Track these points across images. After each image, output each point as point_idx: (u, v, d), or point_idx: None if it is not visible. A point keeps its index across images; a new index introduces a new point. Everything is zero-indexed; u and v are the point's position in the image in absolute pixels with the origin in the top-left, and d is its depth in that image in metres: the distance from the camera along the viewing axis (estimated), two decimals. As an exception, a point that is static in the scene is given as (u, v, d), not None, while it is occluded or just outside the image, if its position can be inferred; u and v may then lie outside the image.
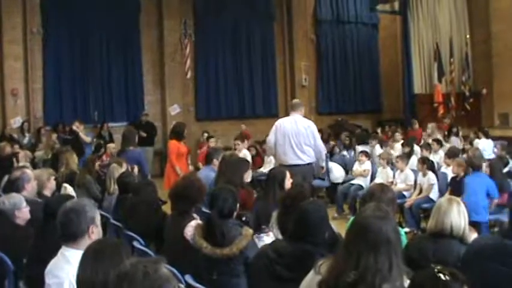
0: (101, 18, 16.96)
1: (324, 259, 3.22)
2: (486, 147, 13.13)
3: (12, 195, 5.65)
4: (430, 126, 14.23)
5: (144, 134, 15.56)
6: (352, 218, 3.76)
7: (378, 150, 13.32)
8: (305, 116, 9.30)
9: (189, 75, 18.08)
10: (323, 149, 9.32)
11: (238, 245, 4.40)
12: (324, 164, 9.75)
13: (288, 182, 6.24)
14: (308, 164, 8.82)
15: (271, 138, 8.92)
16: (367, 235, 2.85)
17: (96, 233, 3.66)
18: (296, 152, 8.67)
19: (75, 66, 16.82)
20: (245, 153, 11.32)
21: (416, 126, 17.02)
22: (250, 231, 4.58)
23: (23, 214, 5.40)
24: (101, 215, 5.49)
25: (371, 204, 3.22)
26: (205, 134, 15.57)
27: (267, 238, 4.82)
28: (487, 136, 14.07)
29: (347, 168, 12.62)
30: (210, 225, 4.56)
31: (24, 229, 5.25)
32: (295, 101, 9.74)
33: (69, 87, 16.73)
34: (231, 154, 7.61)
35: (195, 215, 5.20)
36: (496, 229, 8.92)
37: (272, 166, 10.66)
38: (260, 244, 4.64)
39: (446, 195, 6.48)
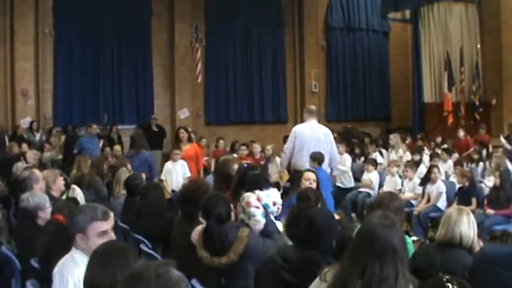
0: (113, 21, 17.05)
1: (330, 267, 3.21)
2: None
3: (37, 193, 5.60)
4: (393, 136, 13.93)
5: (156, 129, 15.76)
6: (359, 226, 3.75)
7: (379, 159, 13.33)
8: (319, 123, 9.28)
9: (199, 79, 18.06)
10: (338, 157, 9.29)
11: (235, 250, 4.38)
12: (336, 173, 9.71)
13: (306, 183, 6.40)
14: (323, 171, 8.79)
15: (290, 146, 8.82)
16: (373, 244, 2.83)
17: (83, 244, 3.53)
18: None
19: (85, 68, 16.86)
20: None
21: (483, 131, 16.61)
22: (247, 230, 4.57)
23: (46, 215, 5.35)
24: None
25: (378, 213, 3.20)
26: (221, 141, 15.30)
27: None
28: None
29: (355, 176, 12.65)
30: (209, 234, 4.56)
31: (43, 230, 5.18)
32: (312, 107, 9.60)
33: (80, 88, 16.77)
34: (225, 159, 7.50)
35: (201, 219, 5.19)
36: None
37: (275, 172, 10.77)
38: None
39: (455, 205, 6.48)
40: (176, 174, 10.14)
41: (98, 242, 3.38)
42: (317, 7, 20.65)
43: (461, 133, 15.83)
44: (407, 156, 13.41)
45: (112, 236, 3.60)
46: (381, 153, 13.88)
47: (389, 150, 13.53)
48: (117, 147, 13.18)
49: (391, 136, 13.84)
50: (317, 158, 9.04)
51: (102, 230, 3.57)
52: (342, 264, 3.01)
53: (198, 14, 18.41)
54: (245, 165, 6.26)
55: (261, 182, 5.77)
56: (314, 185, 6.51)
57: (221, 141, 15.10)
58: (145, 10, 17.58)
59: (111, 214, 3.72)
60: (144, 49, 17.70)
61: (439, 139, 16.13)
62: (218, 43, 18.70)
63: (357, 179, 12.47)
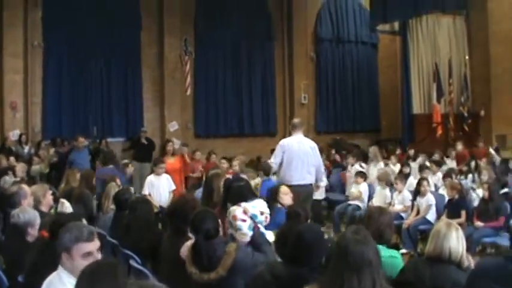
0: (102, 34, 16.96)
1: (310, 284, 3.24)
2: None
3: (27, 210, 5.57)
4: (372, 149, 13.83)
5: (145, 142, 15.60)
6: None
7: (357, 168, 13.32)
8: (305, 135, 9.28)
9: (188, 92, 18.11)
10: (322, 168, 9.30)
11: (224, 265, 4.38)
12: (321, 184, 9.71)
13: (286, 197, 6.42)
14: (310, 184, 8.79)
15: (277, 160, 8.72)
16: (348, 258, 2.93)
17: (69, 263, 3.49)
18: (303, 172, 8.58)
19: (75, 81, 16.78)
20: None
21: (481, 144, 16.51)
22: (234, 245, 4.58)
23: (35, 231, 5.33)
24: (97, 233, 5.48)
25: (351, 228, 3.28)
26: (213, 155, 15.07)
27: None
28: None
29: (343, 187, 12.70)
30: (197, 250, 4.55)
31: (32, 246, 5.11)
32: (298, 120, 9.59)
33: (69, 101, 16.67)
34: (212, 174, 7.50)
35: (190, 235, 5.17)
36: (491, 250, 9.01)
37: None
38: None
39: (444, 219, 6.49)
40: (162, 188, 10.12)
41: (83, 263, 3.35)
42: (306, 19, 20.73)
43: (459, 146, 15.78)
44: (398, 168, 13.48)
45: (97, 257, 3.55)
46: (361, 166, 13.88)
47: (368, 163, 13.39)
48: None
49: (370, 149, 13.72)
50: (265, 169, 9.09)
51: (87, 251, 3.53)
52: (321, 281, 3.06)
53: (188, 27, 18.44)
54: (230, 178, 6.31)
55: (246, 193, 5.80)
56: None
57: (213, 155, 14.98)
58: (135, 24, 17.57)
59: (96, 235, 3.67)
60: (133, 62, 17.68)
61: (411, 151, 16.16)
62: (207, 56, 18.75)
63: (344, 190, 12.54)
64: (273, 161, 8.82)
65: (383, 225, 4.44)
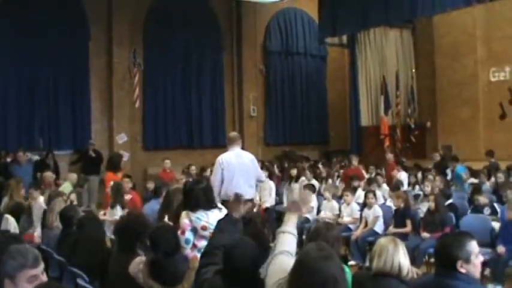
0: (49, 44, 16.59)
1: None
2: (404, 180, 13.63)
3: None
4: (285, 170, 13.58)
5: (93, 154, 15.41)
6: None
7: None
8: (243, 148, 9.20)
9: (137, 104, 17.93)
10: (263, 178, 9.25)
11: (188, 280, 4.36)
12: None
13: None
14: (253, 199, 8.70)
15: (218, 177, 8.39)
16: (314, 277, 2.83)
17: None
18: (245, 187, 8.26)
19: (20, 92, 16.37)
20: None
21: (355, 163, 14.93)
22: (197, 263, 4.56)
23: None
24: (43, 251, 5.38)
25: (312, 245, 3.19)
26: (193, 167, 15.03)
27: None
28: (406, 170, 14.54)
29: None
30: (158, 267, 4.49)
31: None
32: (235, 134, 9.40)
33: (14, 113, 16.22)
34: (175, 188, 7.33)
35: (139, 251, 5.11)
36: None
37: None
38: None
39: (391, 231, 6.56)
40: None
41: (27, 287, 3.26)
42: (255, 31, 20.80)
43: (389, 155, 15.71)
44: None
45: (42, 279, 3.43)
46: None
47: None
48: (49, 174, 12.77)
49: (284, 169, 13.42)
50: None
51: (32, 274, 3.39)
52: None
53: (137, 38, 18.25)
54: (190, 180, 6.21)
55: (199, 200, 5.67)
56: None
57: (193, 167, 14.85)
58: (83, 34, 17.29)
59: (41, 259, 3.55)
60: (81, 73, 17.33)
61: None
62: (156, 68, 18.60)
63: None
64: (213, 179, 8.39)
65: (331, 240, 4.45)
